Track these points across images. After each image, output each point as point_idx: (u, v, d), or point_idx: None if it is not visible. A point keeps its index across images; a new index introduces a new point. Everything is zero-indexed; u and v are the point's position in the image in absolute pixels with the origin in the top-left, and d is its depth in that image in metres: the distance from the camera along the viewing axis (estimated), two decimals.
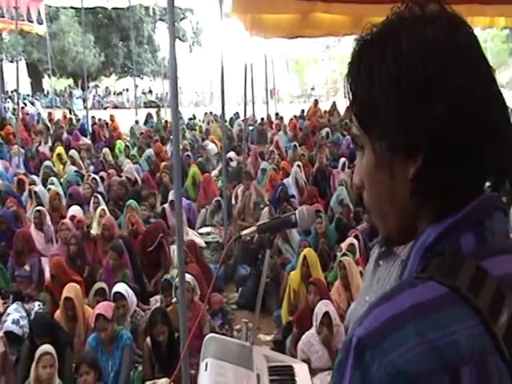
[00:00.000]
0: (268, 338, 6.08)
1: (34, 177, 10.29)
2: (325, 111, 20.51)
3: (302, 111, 20.96)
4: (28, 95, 32.11)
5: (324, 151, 12.27)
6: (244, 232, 2.21)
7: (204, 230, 9.02)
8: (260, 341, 5.93)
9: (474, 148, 0.79)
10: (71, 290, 5.51)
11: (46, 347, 4.57)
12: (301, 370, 2.21)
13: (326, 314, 4.89)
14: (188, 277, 5.57)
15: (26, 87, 37.04)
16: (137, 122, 18.69)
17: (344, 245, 6.70)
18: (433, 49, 0.79)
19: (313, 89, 45.32)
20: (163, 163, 12.14)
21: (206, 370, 2.02)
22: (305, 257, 6.07)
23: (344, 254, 6.23)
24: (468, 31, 0.83)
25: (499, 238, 0.80)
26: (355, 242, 6.66)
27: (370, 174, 0.85)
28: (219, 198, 9.51)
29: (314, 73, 49.64)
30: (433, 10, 0.83)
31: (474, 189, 0.81)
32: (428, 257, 0.79)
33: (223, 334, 4.87)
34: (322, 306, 4.96)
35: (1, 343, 5.00)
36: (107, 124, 17.95)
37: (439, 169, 0.79)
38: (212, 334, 2.33)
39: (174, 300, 5.68)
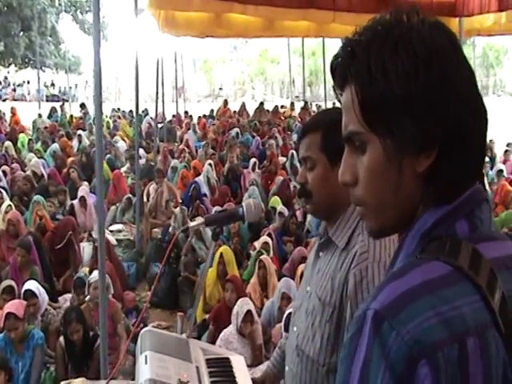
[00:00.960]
0: (183, 336, 6.06)
1: None
2: (234, 111, 20.66)
3: (212, 111, 21.00)
4: None
5: (235, 151, 12.37)
6: (191, 224, 2.23)
7: (115, 227, 8.86)
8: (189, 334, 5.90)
9: (478, 144, 0.88)
10: None
11: None
12: (238, 362, 2.25)
13: (249, 312, 4.95)
14: (97, 278, 5.48)
15: None
16: (40, 115, 18.00)
17: (258, 243, 6.81)
18: (443, 48, 0.86)
19: (221, 89, 45.48)
20: (70, 158, 11.81)
21: (146, 363, 2.02)
22: (221, 254, 6.12)
23: (259, 253, 6.34)
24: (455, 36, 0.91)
25: (485, 226, 0.89)
26: (269, 240, 6.78)
27: (375, 171, 0.89)
28: (130, 196, 9.39)
29: (222, 73, 49.82)
30: (419, 17, 0.89)
31: (469, 180, 0.89)
32: (426, 241, 0.87)
33: (137, 333, 4.82)
34: (244, 305, 5.00)
35: None
36: (6, 116, 17.18)
37: (450, 163, 0.86)
38: (149, 328, 2.32)
39: (88, 298, 5.56)
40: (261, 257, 6.17)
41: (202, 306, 6.16)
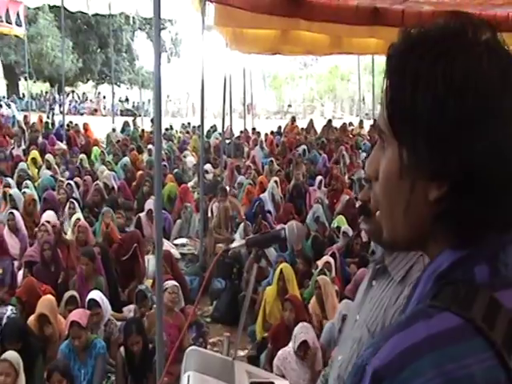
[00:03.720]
0: (242, 353, 6.06)
1: (9, 179, 10.15)
2: (302, 128, 20.66)
3: (279, 127, 21.07)
4: (3, 97, 31.65)
5: (301, 168, 12.35)
6: (233, 245, 2.23)
7: (179, 241, 9.00)
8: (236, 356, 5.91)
9: (502, 188, 0.78)
10: (45, 304, 5.39)
11: (7, 354, 4.47)
12: None
13: (304, 343, 4.85)
14: (174, 283, 5.59)
15: (1, 89, 36.55)
16: (114, 129, 18.58)
17: (320, 263, 6.74)
18: (487, 80, 0.76)
19: (290, 106, 45.58)
20: (139, 172, 12.10)
21: (188, 382, 2.02)
22: (281, 271, 6.10)
23: (321, 272, 6.27)
24: None
25: (510, 271, 0.79)
26: (331, 260, 6.70)
27: (389, 177, 0.83)
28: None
29: (291, 90, 49.99)
30: (480, 35, 0.79)
31: (493, 221, 0.80)
32: (441, 283, 0.79)
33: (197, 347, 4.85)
34: (301, 333, 4.89)
35: None
36: (80, 131, 17.82)
37: (464, 201, 0.77)
38: (194, 347, 2.32)
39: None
40: (317, 277, 6.10)
41: (261, 323, 6.15)
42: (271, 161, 13.46)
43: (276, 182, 10.84)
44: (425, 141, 0.77)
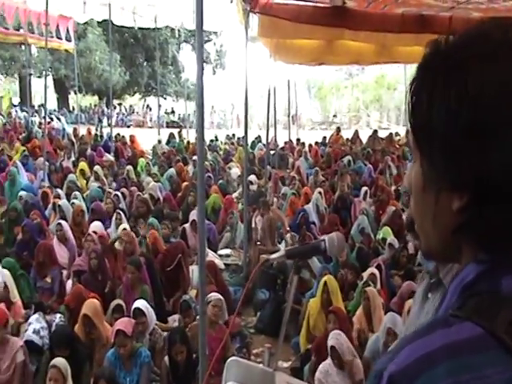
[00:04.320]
0: (285, 364, 6.04)
1: (59, 190, 10.40)
2: (347, 139, 20.54)
3: (324, 138, 21.00)
4: (54, 110, 32.51)
5: (346, 179, 12.27)
6: (272, 256, 2.21)
7: (224, 251, 9.04)
8: (278, 367, 5.88)
9: None
10: (90, 307, 5.53)
11: (56, 360, 4.59)
12: None
13: (333, 348, 4.85)
14: (217, 296, 5.62)
15: (52, 102, 37.57)
16: (159, 141, 18.86)
17: (365, 274, 6.66)
18: (504, 91, 0.73)
19: (335, 116, 45.34)
20: (184, 183, 12.22)
21: None
22: (325, 283, 6.06)
23: (365, 284, 6.20)
24: None
25: None
26: (376, 272, 6.62)
27: (417, 188, 0.83)
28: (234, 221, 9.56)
29: (337, 100, 49.77)
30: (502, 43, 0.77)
31: None
32: (466, 295, 0.77)
33: (241, 358, 4.85)
34: (331, 339, 4.91)
35: (21, 352, 5.04)
36: (127, 143, 18.15)
37: (484, 212, 0.75)
38: (234, 358, 2.31)
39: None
40: (366, 288, 6.03)
41: (305, 335, 6.12)
42: (316, 171, 13.41)
43: (320, 192, 10.79)
44: (441, 152, 0.77)
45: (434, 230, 0.82)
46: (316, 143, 19.28)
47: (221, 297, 5.72)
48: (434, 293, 1.67)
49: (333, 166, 14.87)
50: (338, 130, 21.85)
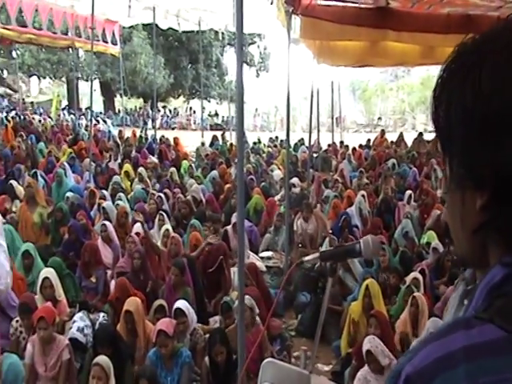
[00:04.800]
0: (326, 368, 6.00)
1: (105, 192, 10.59)
2: (391, 142, 20.30)
3: (368, 140, 20.82)
4: (100, 113, 33.15)
5: (390, 182, 12.12)
6: (306, 258, 2.19)
7: (265, 254, 9.03)
8: (318, 371, 5.86)
9: None
10: (132, 303, 5.62)
11: (99, 358, 4.66)
12: None
13: (368, 352, 4.79)
14: (248, 298, 5.60)
15: (99, 105, 38.31)
16: (203, 143, 19.00)
17: (408, 279, 6.57)
18: None
19: (379, 118, 44.87)
20: (227, 185, 12.27)
21: None
22: (367, 287, 5.99)
23: (408, 288, 6.11)
24: None
25: None
26: (420, 276, 6.51)
27: (446, 190, 0.84)
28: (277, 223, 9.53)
29: (382, 102, 49.26)
30: None
31: None
32: (493, 296, 0.76)
33: (281, 360, 4.83)
34: (366, 343, 4.86)
35: (66, 351, 5.14)
36: (171, 145, 18.36)
37: (505, 208, 0.75)
38: (270, 359, 2.31)
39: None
40: (415, 294, 5.93)
41: (346, 339, 6.06)
42: (360, 174, 13.30)
43: (363, 195, 10.69)
44: (461, 151, 0.79)
45: (463, 232, 0.82)
46: (360, 146, 19.12)
47: (247, 297, 5.66)
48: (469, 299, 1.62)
49: (377, 169, 14.72)
50: (383, 132, 21.64)
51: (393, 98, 49.00)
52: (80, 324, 5.67)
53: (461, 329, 0.72)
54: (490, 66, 0.75)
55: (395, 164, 15.04)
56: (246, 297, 5.41)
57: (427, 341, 0.73)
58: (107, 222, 8.28)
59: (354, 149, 18.21)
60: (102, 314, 6.04)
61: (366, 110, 49.37)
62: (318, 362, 6.19)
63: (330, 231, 9.47)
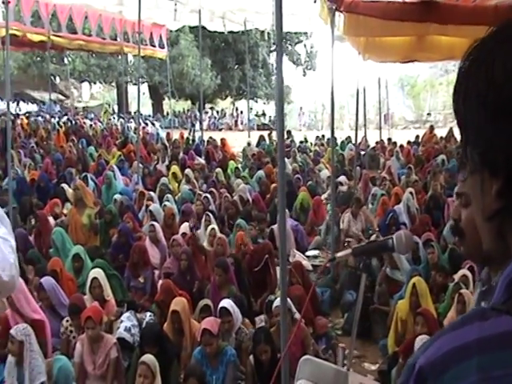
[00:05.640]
0: (373, 367, 5.94)
1: (152, 193, 10.75)
2: (441, 137, 19.92)
3: (417, 137, 20.49)
4: (149, 116, 33.69)
5: (439, 179, 11.90)
6: (339, 254, 2.18)
7: (311, 253, 9.00)
8: (365, 370, 5.81)
9: None
10: (178, 303, 5.69)
11: (145, 357, 4.74)
12: None
13: None
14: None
15: (147, 108, 38.94)
16: (249, 143, 19.06)
17: (457, 276, 6.44)
18: None
19: (429, 114, 44.04)
20: (273, 185, 12.28)
21: None
22: (414, 285, 5.90)
23: (456, 285, 5.99)
24: None
25: None
26: (469, 274, 6.37)
27: (469, 181, 0.84)
28: (328, 223, 9.47)
29: (431, 98, 48.36)
30: None
31: None
32: None
33: (326, 359, 4.81)
34: (417, 345, 4.74)
35: (114, 349, 5.25)
36: (218, 146, 18.49)
37: None
38: (308, 356, 2.31)
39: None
40: (461, 291, 5.81)
41: (393, 337, 5.98)
42: (409, 169, 13.10)
43: (411, 193, 10.53)
44: (477, 138, 0.79)
45: (484, 223, 0.80)
46: (408, 142, 18.83)
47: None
48: (487, 301, 1.58)
49: (426, 166, 14.47)
50: (432, 128, 21.26)
51: (442, 93, 47.96)
52: (127, 324, 5.78)
53: (476, 320, 0.71)
54: (503, 55, 0.76)
55: (444, 160, 14.74)
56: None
57: (442, 333, 0.73)
58: (155, 223, 8.40)
59: (401, 146, 17.94)
60: (148, 314, 6.14)
61: (415, 105, 48.52)
62: (364, 361, 6.13)
63: (378, 229, 9.37)
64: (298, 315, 5.44)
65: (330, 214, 9.57)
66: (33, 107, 35.19)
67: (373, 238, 8.18)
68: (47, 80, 21.71)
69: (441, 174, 12.53)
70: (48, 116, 21.97)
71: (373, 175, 13.96)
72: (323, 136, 22.21)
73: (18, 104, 33.50)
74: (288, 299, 5.47)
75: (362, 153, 15.91)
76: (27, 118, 26.11)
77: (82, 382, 5.22)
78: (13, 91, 24.51)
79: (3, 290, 1.82)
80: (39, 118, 26.44)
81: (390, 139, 20.18)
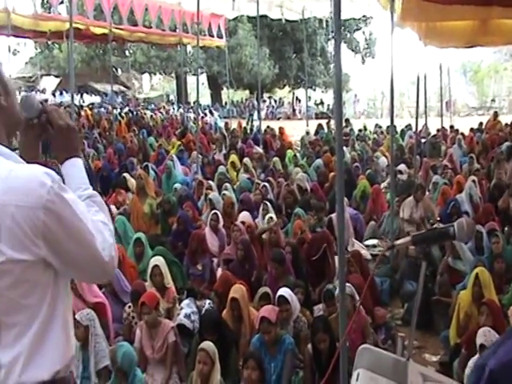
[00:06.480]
0: (434, 358, 5.84)
1: (211, 182, 10.85)
2: (505, 124, 19.28)
3: (480, 124, 19.90)
4: (208, 106, 33.97)
5: (503, 167, 11.53)
6: (398, 242, 2.14)
7: (370, 242, 8.90)
8: (426, 361, 5.73)
9: None
10: (237, 290, 5.74)
11: (204, 344, 4.79)
12: None
13: (482, 346, 4.58)
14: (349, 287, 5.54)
15: (206, 98, 39.25)
16: (307, 132, 18.97)
17: None
18: None
19: (493, 100, 42.68)
20: (331, 174, 12.18)
21: (357, 380, 2.00)
22: (477, 276, 5.75)
23: None
24: None
25: None
26: None
27: None
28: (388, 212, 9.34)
29: (495, 84, 46.83)
30: None
31: None
32: None
33: (385, 349, 4.76)
34: (479, 337, 4.66)
35: (172, 333, 5.36)
36: (276, 135, 18.47)
37: None
38: (366, 345, 2.28)
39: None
40: None
41: (455, 329, 5.85)
42: (471, 158, 12.76)
43: (474, 181, 10.25)
44: None
45: None
46: (471, 130, 18.32)
47: (352, 287, 5.58)
48: None
49: (489, 154, 14.05)
50: (496, 114, 20.59)
51: (507, 79, 46.41)
52: (187, 310, 5.88)
53: None
54: None
55: (510, 147, 14.25)
56: (347, 284, 5.36)
57: (510, 334, 0.70)
58: (217, 212, 8.47)
59: (462, 134, 17.47)
60: (208, 301, 6.22)
61: (479, 92, 47.13)
62: (425, 352, 6.04)
63: (439, 218, 9.18)
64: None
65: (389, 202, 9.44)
66: (96, 99, 36.09)
67: (435, 226, 8.04)
68: (109, 72, 22.19)
69: (505, 162, 12.14)
70: (110, 107, 22.47)
71: (434, 163, 13.65)
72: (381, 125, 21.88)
73: (81, 96, 34.44)
74: (351, 287, 5.47)
75: (423, 141, 15.58)
76: (90, 109, 26.80)
77: (144, 366, 5.35)
78: (77, 83, 25.17)
79: (103, 272, 1.73)
80: (102, 110, 27.15)
81: (452, 126, 19.69)
